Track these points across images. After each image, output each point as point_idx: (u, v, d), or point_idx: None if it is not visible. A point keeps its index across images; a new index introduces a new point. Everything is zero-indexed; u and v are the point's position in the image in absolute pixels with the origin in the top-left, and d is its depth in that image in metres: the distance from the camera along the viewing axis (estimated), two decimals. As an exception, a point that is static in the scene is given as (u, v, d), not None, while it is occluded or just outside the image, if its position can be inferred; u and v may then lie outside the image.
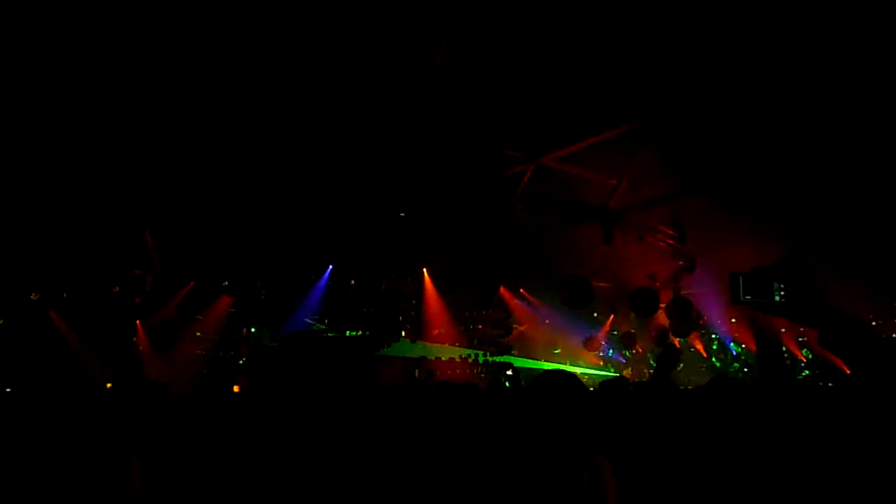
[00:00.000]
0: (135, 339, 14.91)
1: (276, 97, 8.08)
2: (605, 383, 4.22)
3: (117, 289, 13.30)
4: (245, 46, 7.05)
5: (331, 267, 15.23)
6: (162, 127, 8.70)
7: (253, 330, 16.88)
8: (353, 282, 15.99)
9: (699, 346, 20.25)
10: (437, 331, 17.17)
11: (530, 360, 18.20)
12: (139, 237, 12.33)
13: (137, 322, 14.94)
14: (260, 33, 6.84)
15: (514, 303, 17.35)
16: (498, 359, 17.89)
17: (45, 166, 9.52)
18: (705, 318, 16.46)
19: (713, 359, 20.78)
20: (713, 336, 20.30)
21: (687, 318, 14.15)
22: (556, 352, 18.75)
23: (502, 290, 16.08)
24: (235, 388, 13.79)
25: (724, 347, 20.76)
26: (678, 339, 15.40)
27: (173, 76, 7.62)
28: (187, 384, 11.67)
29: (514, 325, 18.34)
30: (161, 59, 7.28)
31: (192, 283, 14.99)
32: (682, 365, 19.70)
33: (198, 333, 15.72)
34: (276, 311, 16.06)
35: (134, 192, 10.38)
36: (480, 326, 17.89)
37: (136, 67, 7.39)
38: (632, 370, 20.31)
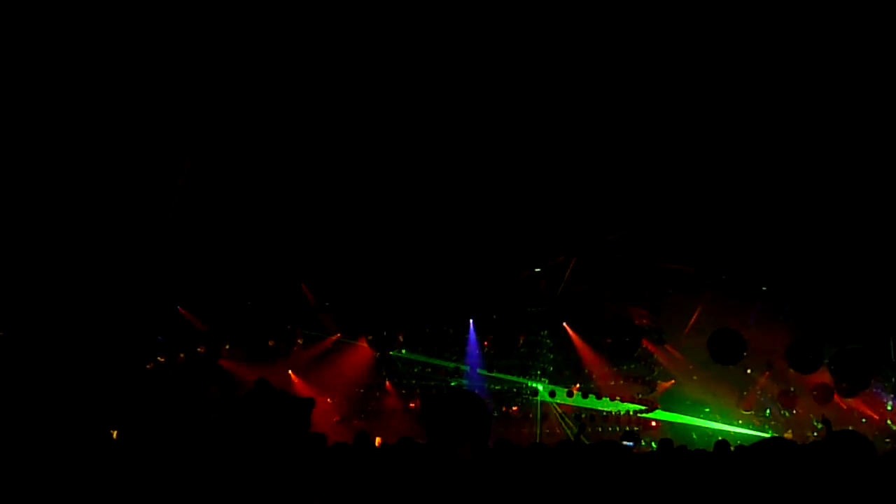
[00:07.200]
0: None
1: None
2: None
3: (272, 342, 14.26)
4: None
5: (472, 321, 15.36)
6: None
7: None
8: (490, 337, 16.03)
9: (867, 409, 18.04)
10: (576, 386, 16.70)
11: (678, 417, 17.20)
12: (297, 293, 13.29)
13: (290, 372, 15.79)
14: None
15: (660, 357, 16.61)
16: (644, 415, 17.06)
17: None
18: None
19: (888, 421, 18.56)
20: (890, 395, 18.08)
21: (855, 376, 12.90)
22: (707, 410, 17.57)
23: (645, 343, 15.44)
24: (377, 441, 13.99)
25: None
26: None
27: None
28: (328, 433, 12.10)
29: (659, 382, 17.45)
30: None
31: (337, 335, 15.71)
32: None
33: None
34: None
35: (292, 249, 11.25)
36: (622, 382, 17.18)
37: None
38: (793, 433, 18.60)
